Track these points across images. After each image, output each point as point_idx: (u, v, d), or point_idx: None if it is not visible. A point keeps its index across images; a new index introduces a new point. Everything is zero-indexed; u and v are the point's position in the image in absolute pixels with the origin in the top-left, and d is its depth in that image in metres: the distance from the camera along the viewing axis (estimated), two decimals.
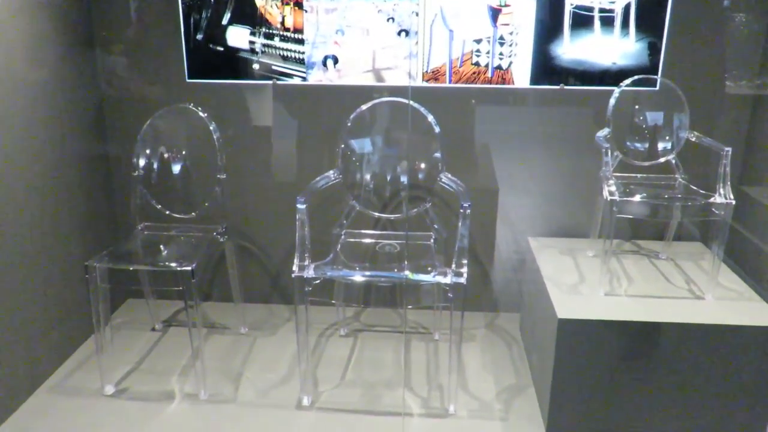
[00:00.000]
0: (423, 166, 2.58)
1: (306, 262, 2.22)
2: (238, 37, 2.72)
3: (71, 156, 2.66)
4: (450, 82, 2.71)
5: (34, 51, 2.39)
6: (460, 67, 2.69)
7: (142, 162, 2.60)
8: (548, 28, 2.63)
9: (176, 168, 2.65)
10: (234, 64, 2.75)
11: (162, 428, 2.25)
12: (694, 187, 2.46)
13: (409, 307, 2.89)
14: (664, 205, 2.38)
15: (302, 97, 2.83)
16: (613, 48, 2.63)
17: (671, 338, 2.12)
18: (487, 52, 2.67)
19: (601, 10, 2.59)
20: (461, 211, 2.21)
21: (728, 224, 2.25)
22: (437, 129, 2.51)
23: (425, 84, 2.72)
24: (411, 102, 2.53)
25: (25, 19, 2.32)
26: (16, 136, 2.30)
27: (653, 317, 2.13)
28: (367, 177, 2.61)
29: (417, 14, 2.63)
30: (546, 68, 2.67)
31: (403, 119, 2.58)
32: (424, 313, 3.02)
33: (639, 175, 2.64)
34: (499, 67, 2.68)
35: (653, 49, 2.62)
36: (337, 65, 2.72)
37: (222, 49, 2.74)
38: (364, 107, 2.55)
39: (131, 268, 2.39)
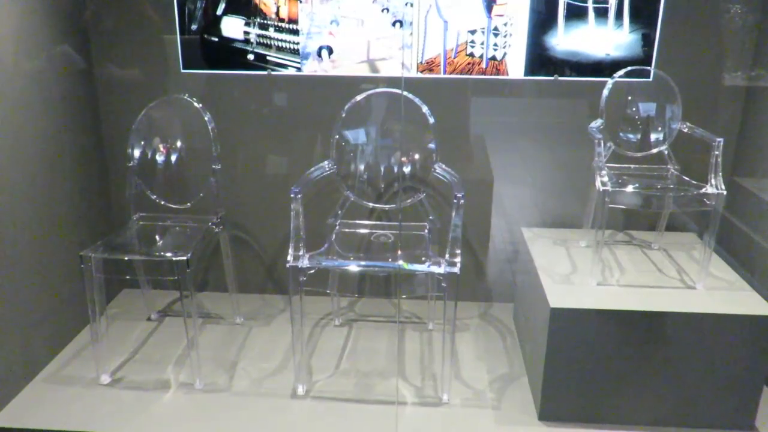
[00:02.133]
0: (417, 156, 2.59)
1: (301, 252, 2.23)
2: (232, 27, 2.72)
3: (66, 147, 2.66)
4: (444, 72, 2.72)
5: (28, 41, 2.39)
6: (454, 58, 2.70)
7: (136, 153, 2.61)
8: (542, 19, 2.63)
9: (171, 158, 2.65)
10: (229, 54, 2.75)
11: (157, 417, 2.26)
12: (687, 178, 2.48)
13: (403, 296, 2.90)
14: (656, 195, 2.40)
15: (297, 88, 2.83)
16: (606, 39, 2.63)
17: (662, 327, 2.14)
18: (482, 43, 2.67)
19: (595, 1, 2.60)
20: (455, 201, 2.22)
21: (719, 214, 2.27)
22: (431, 120, 2.52)
23: (420, 75, 2.72)
24: (405, 92, 2.54)
25: (17, 9, 2.32)
26: (10, 126, 2.29)
27: (645, 306, 2.15)
28: (362, 167, 2.62)
29: (411, 5, 2.64)
30: (540, 59, 2.68)
31: (398, 110, 2.59)
32: (419, 303, 3.03)
33: (632, 166, 2.66)
34: (493, 58, 2.69)
35: (647, 41, 2.63)
36: (331, 56, 2.73)
37: (217, 39, 2.74)
38: (358, 98, 2.55)
39: (126, 258, 2.39)
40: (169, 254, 2.33)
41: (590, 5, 2.61)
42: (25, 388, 2.40)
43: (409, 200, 2.61)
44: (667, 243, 2.70)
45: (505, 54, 2.68)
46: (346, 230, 2.64)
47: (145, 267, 2.79)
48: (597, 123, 2.51)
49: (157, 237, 2.58)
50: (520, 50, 2.67)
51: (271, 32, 2.72)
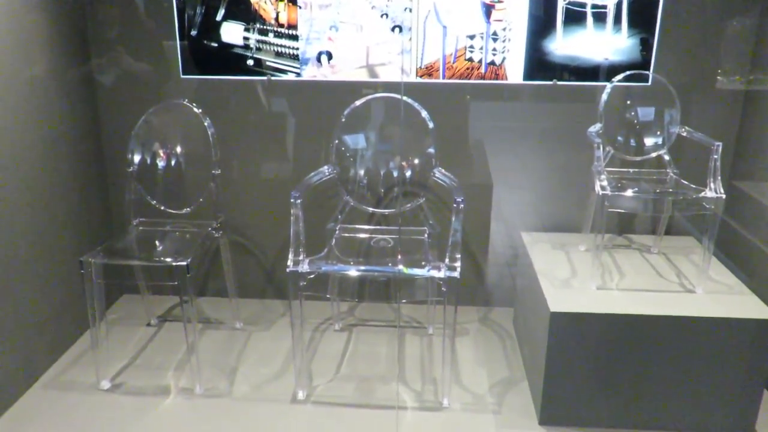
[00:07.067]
0: (417, 161, 2.60)
1: (300, 257, 2.23)
2: (232, 33, 2.73)
3: (66, 152, 2.66)
4: (444, 77, 2.72)
5: (28, 48, 2.39)
6: (453, 63, 2.70)
7: (136, 158, 2.61)
8: (541, 23, 2.64)
9: (171, 164, 2.66)
10: (228, 60, 2.76)
11: (157, 423, 2.26)
12: (686, 182, 2.48)
13: (403, 301, 2.90)
14: (655, 199, 2.40)
15: (296, 93, 2.84)
16: (605, 44, 2.64)
17: (662, 331, 2.14)
18: (481, 48, 2.68)
19: (594, 6, 2.61)
20: (454, 205, 2.22)
21: (719, 218, 2.27)
22: (431, 124, 2.53)
23: (419, 80, 2.73)
24: (404, 97, 2.54)
25: (18, 15, 2.32)
26: (10, 132, 2.30)
27: (644, 310, 2.15)
28: (361, 172, 2.62)
29: (410, 10, 2.64)
30: (539, 64, 2.69)
31: (397, 115, 2.60)
32: (418, 308, 3.03)
33: (631, 170, 2.66)
34: (492, 63, 2.70)
35: (645, 45, 2.64)
36: (331, 61, 2.73)
37: (216, 45, 2.74)
38: (357, 103, 2.56)
39: (126, 264, 2.39)
40: (168, 259, 2.33)
41: (589, 10, 2.61)
42: (25, 394, 2.40)
43: (408, 205, 2.61)
44: (667, 247, 2.71)
45: (504, 59, 2.68)
46: (346, 235, 2.64)
47: (144, 272, 2.77)
48: (596, 127, 2.51)
49: (156, 242, 2.58)
50: (519, 55, 2.68)
51: (270, 38, 2.72)
